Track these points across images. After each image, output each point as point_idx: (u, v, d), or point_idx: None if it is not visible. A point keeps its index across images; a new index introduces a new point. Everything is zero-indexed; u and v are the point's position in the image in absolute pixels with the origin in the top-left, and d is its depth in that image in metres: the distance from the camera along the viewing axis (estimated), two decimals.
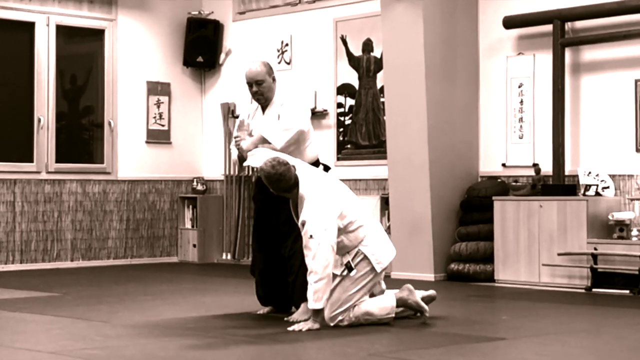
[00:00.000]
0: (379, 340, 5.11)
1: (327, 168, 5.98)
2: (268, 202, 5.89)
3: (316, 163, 5.93)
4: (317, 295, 5.32)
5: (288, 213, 5.70)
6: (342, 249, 5.50)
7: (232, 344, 5.00)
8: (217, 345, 4.99)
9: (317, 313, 5.40)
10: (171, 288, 7.81)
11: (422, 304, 5.70)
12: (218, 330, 5.42)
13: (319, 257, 5.29)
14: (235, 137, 6.00)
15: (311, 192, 5.41)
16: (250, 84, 5.91)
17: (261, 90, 5.87)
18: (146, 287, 7.85)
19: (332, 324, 5.47)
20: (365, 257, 5.52)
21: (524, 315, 6.22)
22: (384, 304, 5.58)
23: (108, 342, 5.05)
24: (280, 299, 6.01)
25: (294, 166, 5.48)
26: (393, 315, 5.59)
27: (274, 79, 5.92)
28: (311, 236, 5.30)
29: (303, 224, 5.36)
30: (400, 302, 5.65)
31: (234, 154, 5.99)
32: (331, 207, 5.41)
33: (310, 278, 5.34)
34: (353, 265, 5.50)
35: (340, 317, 5.48)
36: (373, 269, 5.54)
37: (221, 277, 8.86)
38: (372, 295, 5.64)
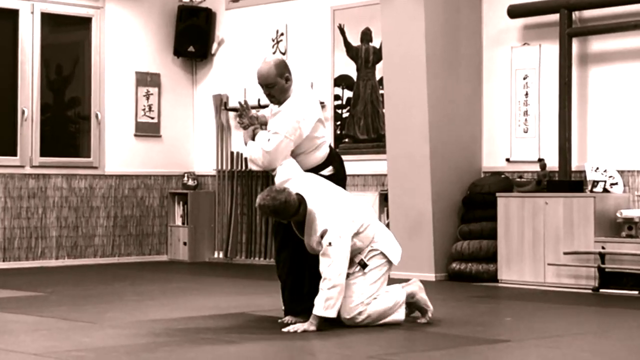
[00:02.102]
0: (378, 342, 5.10)
1: (339, 165, 5.82)
2: None
3: (328, 160, 5.75)
4: (328, 302, 5.35)
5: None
6: (354, 251, 5.53)
7: (224, 346, 4.99)
8: (208, 347, 4.97)
9: (317, 317, 5.39)
10: (160, 288, 7.80)
11: (429, 303, 5.71)
12: (209, 332, 5.40)
13: (336, 265, 5.36)
14: (238, 122, 5.91)
15: (321, 204, 5.46)
16: (260, 85, 5.72)
17: (272, 93, 5.68)
18: (134, 287, 7.85)
19: (348, 317, 5.45)
20: (380, 252, 5.60)
21: (528, 316, 6.20)
22: (396, 298, 5.59)
23: (95, 343, 5.04)
24: None
25: (288, 188, 5.42)
26: (403, 314, 5.59)
27: (287, 79, 5.64)
28: (330, 243, 5.37)
29: (323, 234, 5.38)
30: (410, 297, 5.66)
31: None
32: (344, 214, 5.48)
33: (323, 284, 5.36)
34: (366, 261, 5.56)
35: (360, 309, 5.47)
36: (388, 261, 5.61)
37: (213, 276, 8.87)
38: None
